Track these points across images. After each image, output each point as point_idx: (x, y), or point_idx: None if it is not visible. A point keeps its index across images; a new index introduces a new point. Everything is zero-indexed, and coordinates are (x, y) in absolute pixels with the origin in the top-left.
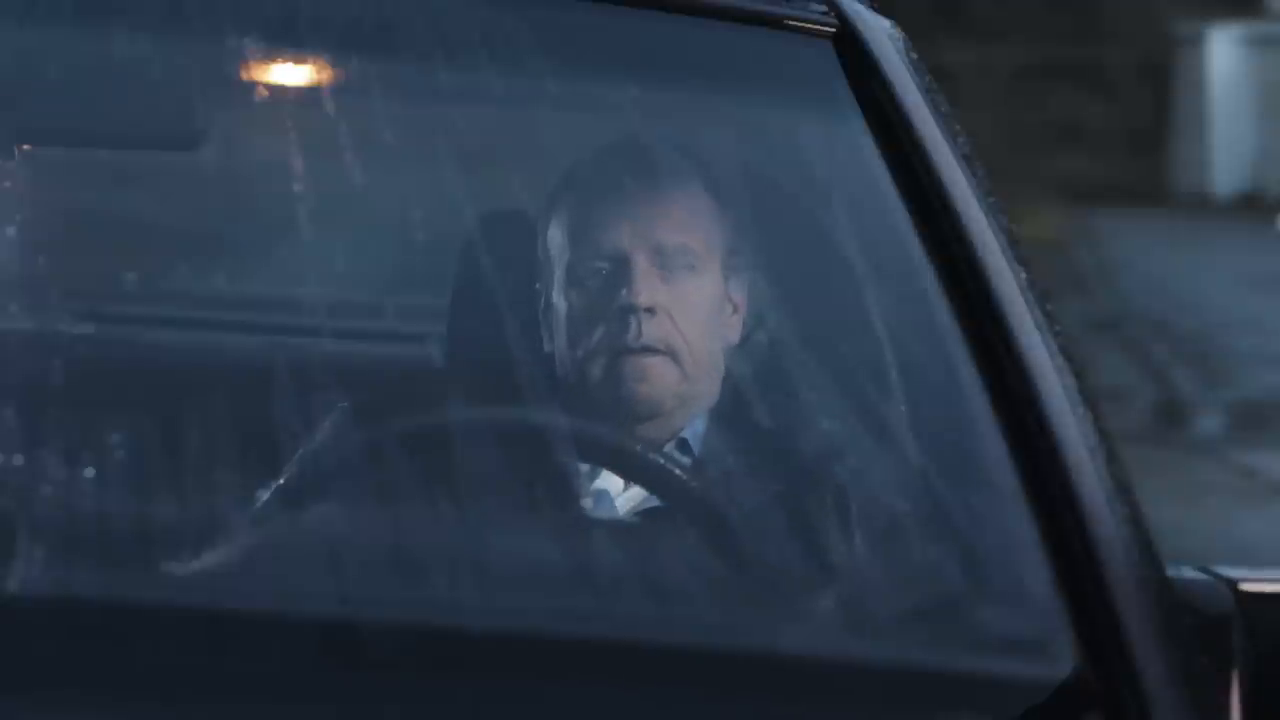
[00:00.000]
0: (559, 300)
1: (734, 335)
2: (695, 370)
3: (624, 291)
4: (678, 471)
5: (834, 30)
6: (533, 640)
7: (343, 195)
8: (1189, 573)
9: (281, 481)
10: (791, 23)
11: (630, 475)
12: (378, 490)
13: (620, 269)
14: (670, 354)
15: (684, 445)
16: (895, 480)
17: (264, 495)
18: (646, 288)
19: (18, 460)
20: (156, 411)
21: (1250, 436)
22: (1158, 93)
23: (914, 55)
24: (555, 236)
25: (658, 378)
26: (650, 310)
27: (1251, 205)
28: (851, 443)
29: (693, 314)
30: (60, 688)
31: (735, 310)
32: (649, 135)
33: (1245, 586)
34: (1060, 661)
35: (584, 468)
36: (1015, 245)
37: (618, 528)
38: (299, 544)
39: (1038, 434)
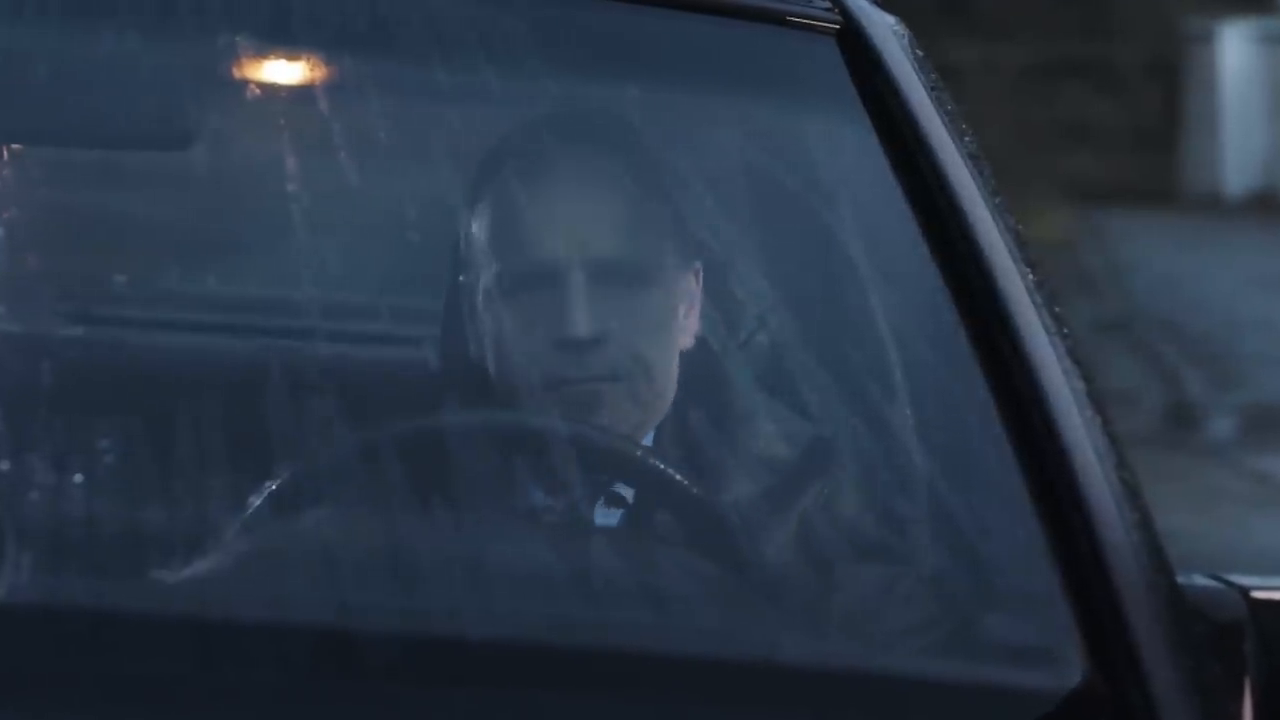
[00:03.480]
0: (486, 313)
1: (689, 338)
2: (649, 392)
3: (562, 320)
4: (679, 477)
5: (838, 27)
6: (529, 648)
7: (337, 196)
8: (1200, 580)
9: (274, 487)
10: (795, 19)
11: (630, 480)
12: (371, 496)
13: (556, 290)
14: (620, 379)
15: None
16: (902, 485)
17: (256, 501)
18: (586, 315)
19: (5, 465)
20: (147, 416)
21: (1262, 440)
22: (1168, 91)
23: (919, 52)
24: (479, 233)
25: (608, 406)
26: (595, 340)
27: (1263, 204)
28: (857, 446)
29: (644, 331)
30: (48, 696)
31: (691, 306)
32: (582, 113)
33: (1257, 594)
34: (1069, 669)
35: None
36: (1023, 245)
37: (616, 535)
38: (292, 551)
39: (1046, 437)
